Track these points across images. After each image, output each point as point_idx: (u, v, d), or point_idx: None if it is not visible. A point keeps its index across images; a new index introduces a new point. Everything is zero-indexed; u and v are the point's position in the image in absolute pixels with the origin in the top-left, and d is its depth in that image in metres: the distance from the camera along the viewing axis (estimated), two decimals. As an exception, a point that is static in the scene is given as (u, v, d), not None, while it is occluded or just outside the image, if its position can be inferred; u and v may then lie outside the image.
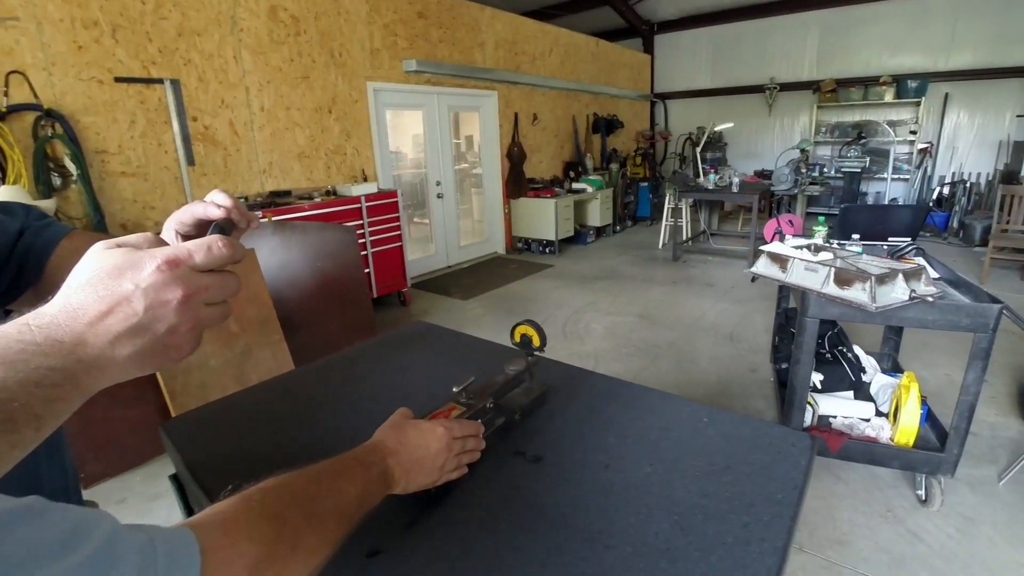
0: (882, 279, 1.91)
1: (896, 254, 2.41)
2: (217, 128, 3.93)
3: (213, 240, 0.42)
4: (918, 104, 7.65)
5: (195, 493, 0.85)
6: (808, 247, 2.35)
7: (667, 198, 6.76)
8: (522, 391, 0.92)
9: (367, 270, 4.37)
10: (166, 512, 2.26)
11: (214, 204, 0.52)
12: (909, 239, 2.70)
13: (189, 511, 0.95)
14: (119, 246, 0.40)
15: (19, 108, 3.02)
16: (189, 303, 0.40)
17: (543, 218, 6.61)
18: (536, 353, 0.93)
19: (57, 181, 3.20)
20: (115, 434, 2.47)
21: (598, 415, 0.87)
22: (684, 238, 6.64)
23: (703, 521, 0.62)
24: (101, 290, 0.38)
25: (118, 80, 3.40)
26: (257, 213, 3.68)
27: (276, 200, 4.00)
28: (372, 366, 1.13)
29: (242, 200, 3.86)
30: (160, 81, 3.59)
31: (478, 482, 0.73)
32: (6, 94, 2.98)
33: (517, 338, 0.95)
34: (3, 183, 2.95)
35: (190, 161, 3.77)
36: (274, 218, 3.56)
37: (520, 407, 0.87)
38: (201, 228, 0.53)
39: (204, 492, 0.77)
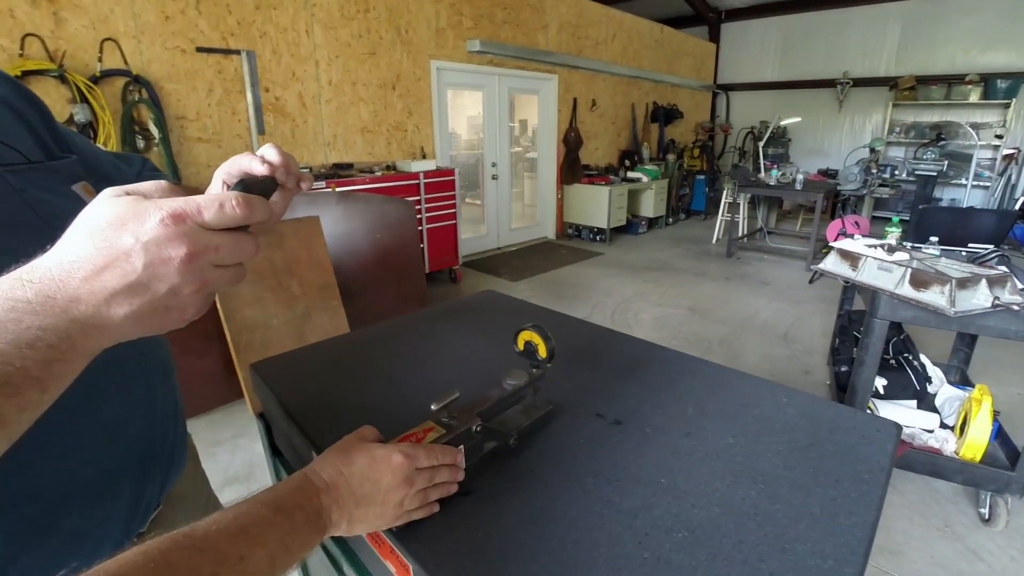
0: (963, 283, 1.82)
1: (978, 260, 2.28)
2: (287, 100, 4.06)
3: (228, 197, 0.38)
4: (1007, 106, 7.13)
5: (283, 429, 0.91)
6: (881, 247, 2.25)
7: (724, 192, 6.58)
8: (522, 409, 0.77)
9: (421, 245, 4.45)
10: (228, 457, 2.40)
11: (261, 159, 0.49)
12: (992, 246, 2.55)
13: (274, 448, 1.02)
14: (128, 194, 0.37)
15: (111, 73, 3.22)
16: (194, 263, 0.36)
17: (596, 205, 6.57)
18: (543, 366, 0.77)
19: (141, 143, 3.40)
20: (184, 381, 2.60)
21: (675, 387, 0.87)
22: (740, 234, 6.45)
23: (789, 491, 0.63)
24: (100, 242, 0.35)
25: (199, 50, 3.56)
26: (321, 184, 3.80)
27: (339, 172, 4.12)
28: (447, 329, 1.17)
29: (306, 169, 4.00)
30: (237, 52, 3.73)
31: (559, 436, 0.75)
32: (100, 60, 3.17)
33: (520, 345, 0.79)
34: (95, 142, 3.15)
35: (261, 130, 3.92)
36: (338, 189, 3.67)
37: (517, 429, 0.72)
38: None
39: (296, 426, 0.82)
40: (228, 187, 0.49)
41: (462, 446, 0.63)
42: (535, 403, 0.78)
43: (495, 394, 0.71)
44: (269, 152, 0.51)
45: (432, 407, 0.63)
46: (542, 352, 0.77)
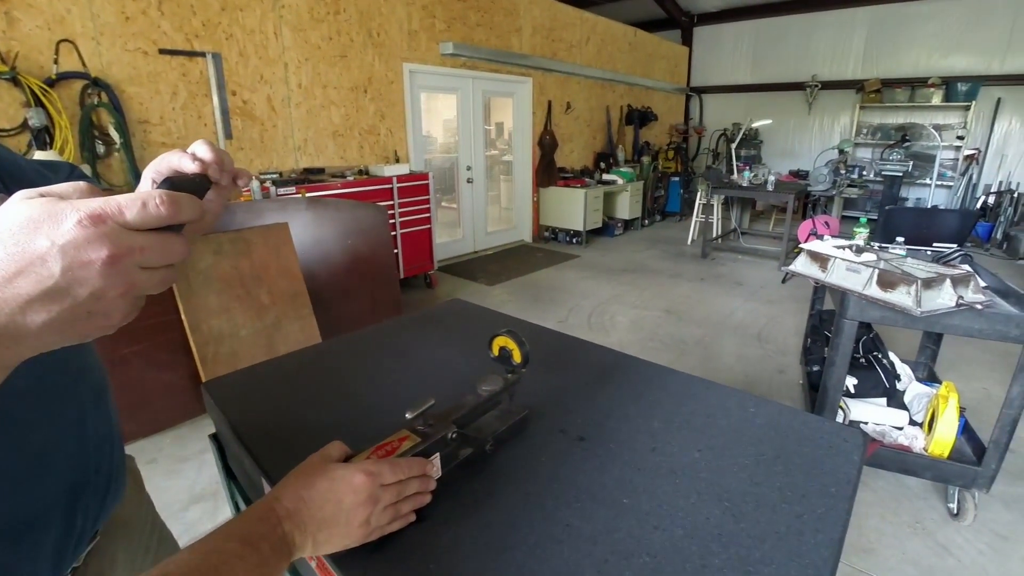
0: (928, 283, 1.85)
1: (942, 260, 2.32)
2: (255, 103, 3.97)
3: (150, 195, 0.35)
4: (967, 108, 7.37)
5: (235, 452, 0.87)
6: (850, 247, 2.28)
7: (699, 194, 6.65)
8: (498, 414, 0.77)
9: (395, 251, 4.39)
10: (195, 474, 2.32)
11: (191, 156, 0.46)
12: (956, 245, 2.60)
13: (228, 470, 0.97)
14: (43, 196, 0.35)
15: (68, 76, 3.10)
16: (117, 265, 0.34)
17: (572, 208, 6.58)
18: (517, 371, 0.78)
19: (101, 149, 3.28)
20: (148, 396, 2.54)
21: (642, 400, 0.85)
22: (714, 235, 6.53)
23: (755, 509, 0.61)
24: (11, 246, 0.32)
25: (162, 52, 3.46)
26: (291, 189, 3.72)
27: (310, 177, 4.04)
28: (410, 341, 1.14)
29: (275, 175, 3.92)
30: (202, 54, 3.64)
31: (519, 457, 0.72)
32: (56, 62, 3.05)
33: (495, 351, 0.79)
34: (50, 148, 3.03)
35: (228, 135, 3.83)
36: (308, 194, 3.60)
37: (493, 434, 0.72)
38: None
39: (246, 451, 0.77)
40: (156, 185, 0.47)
41: (437, 454, 0.63)
42: (511, 408, 0.79)
43: (470, 401, 0.71)
44: (200, 148, 0.48)
45: (407, 415, 0.62)
46: (517, 357, 0.77)
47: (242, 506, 0.95)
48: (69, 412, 0.63)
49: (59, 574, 0.62)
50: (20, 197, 0.34)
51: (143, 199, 0.35)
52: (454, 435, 0.65)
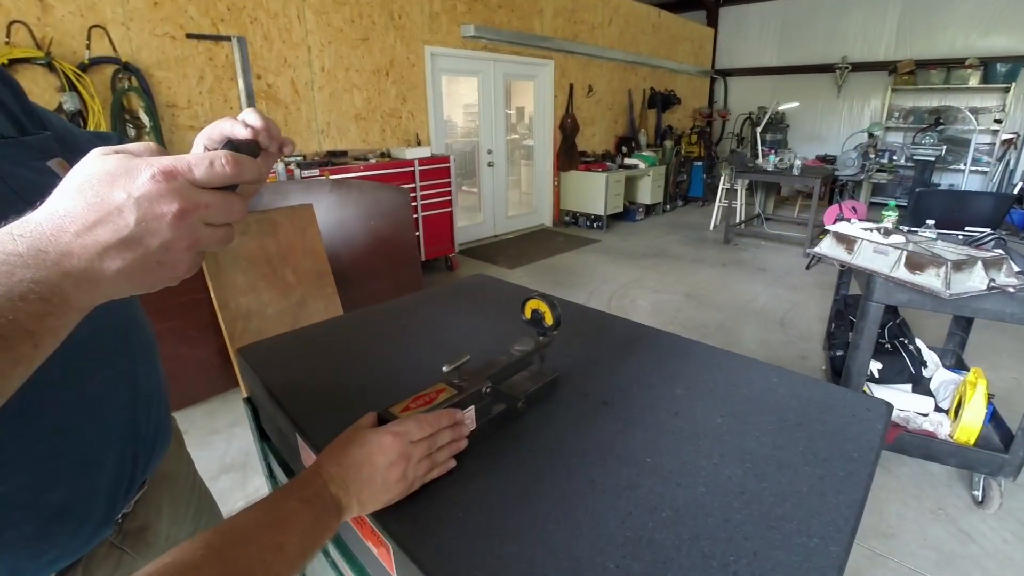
0: (959, 265, 1.81)
1: (974, 243, 2.26)
2: (279, 87, 4.02)
3: (217, 156, 0.38)
4: (1007, 90, 7.09)
5: (269, 413, 0.90)
6: (878, 230, 2.24)
7: (722, 179, 6.55)
8: (529, 375, 0.80)
9: (417, 233, 4.43)
10: (224, 445, 2.40)
11: (243, 123, 0.49)
12: (989, 229, 2.54)
13: (262, 432, 1.01)
14: (118, 153, 0.38)
15: (100, 61, 3.17)
16: (185, 219, 0.37)
17: (593, 192, 6.54)
18: (549, 333, 0.80)
19: (131, 132, 3.36)
20: (180, 370, 2.63)
21: (665, 368, 0.86)
22: (737, 221, 6.43)
23: (777, 470, 0.62)
24: (91, 197, 0.35)
25: (189, 36, 3.51)
26: (314, 171, 3.76)
27: (333, 160, 4.09)
28: (437, 311, 1.16)
29: (299, 158, 3.97)
30: (228, 39, 3.68)
31: (544, 418, 0.74)
32: (88, 47, 3.12)
33: (527, 314, 0.82)
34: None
35: (253, 118, 3.87)
36: (331, 176, 3.64)
37: (524, 394, 0.75)
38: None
39: (281, 409, 0.81)
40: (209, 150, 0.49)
41: (472, 407, 0.66)
42: (542, 370, 0.82)
43: (504, 359, 0.73)
44: (250, 116, 0.49)
45: (444, 368, 0.66)
46: (548, 320, 0.79)
47: (275, 466, 0.99)
48: (121, 364, 0.67)
49: (112, 516, 0.66)
50: (98, 153, 0.38)
51: (211, 158, 0.38)
52: (488, 390, 0.68)
